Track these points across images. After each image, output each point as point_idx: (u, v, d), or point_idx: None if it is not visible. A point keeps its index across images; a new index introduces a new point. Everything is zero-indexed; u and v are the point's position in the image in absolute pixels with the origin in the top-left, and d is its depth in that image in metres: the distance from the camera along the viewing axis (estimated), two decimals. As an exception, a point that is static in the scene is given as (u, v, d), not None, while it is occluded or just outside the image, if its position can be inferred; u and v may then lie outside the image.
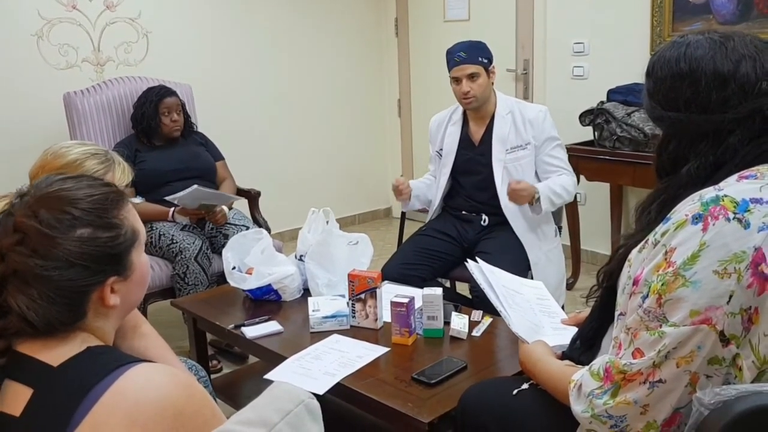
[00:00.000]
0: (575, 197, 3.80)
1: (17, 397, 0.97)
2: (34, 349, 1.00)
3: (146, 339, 1.41)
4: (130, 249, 1.09)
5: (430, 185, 3.08)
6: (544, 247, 2.84)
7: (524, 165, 2.83)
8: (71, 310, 1.01)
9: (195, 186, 2.97)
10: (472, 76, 2.75)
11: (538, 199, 2.69)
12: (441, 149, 2.97)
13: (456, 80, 2.79)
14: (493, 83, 2.84)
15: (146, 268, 1.14)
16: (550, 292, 1.92)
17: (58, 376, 0.97)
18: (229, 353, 3.13)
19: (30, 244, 0.98)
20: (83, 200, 1.04)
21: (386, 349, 1.96)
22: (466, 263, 1.89)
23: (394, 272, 2.72)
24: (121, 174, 1.79)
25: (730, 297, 1.08)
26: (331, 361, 1.89)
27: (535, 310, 1.76)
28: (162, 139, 3.31)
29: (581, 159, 3.70)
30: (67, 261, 0.99)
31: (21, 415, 0.95)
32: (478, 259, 1.88)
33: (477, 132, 2.90)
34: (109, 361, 0.98)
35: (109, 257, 1.04)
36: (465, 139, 2.92)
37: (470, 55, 2.75)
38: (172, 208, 3.10)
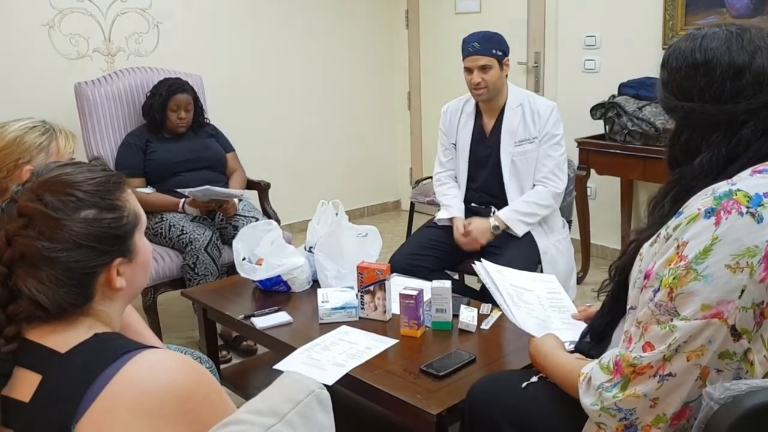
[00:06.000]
0: (586, 191, 3.80)
1: (26, 384, 0.97)
2: (43, 334, 1.01)
3: (126, 317, 1.40)
4: (133, 231, 1.10)
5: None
6: (553, 238, 2.83)
7: (531, 159, 2.81)
8: (80, 291, 1.02)
9: (206, 186, 2.99)
10: (484, 68, 2.73)
11: (496, 227, 2.71)
12: (455, 143, 2.97)
13: (468, 70, 2.77)
14: (506, 76, 2.82)
15: (149, 252, 1.16)
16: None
17: (66, 362, 0.98)
18: (237, 349, 3.13)
19: (36, 227, 1.00)
20: (85, 183, 1.05)
21: (395, 341, 1.97)
22: (473, 264, 1.89)
23: (402, 262, 2.72)
24: (65, 141, 1.76)
25: (742, 291, 1.08)
26: (340, 352, 1.90)
27: (545, 306, 1.76)
28: (170, 132, 3.31)
29: (592, 153, 3.68)
30: (73, 242, 1.01)
31: (30, 401, 0.96)
32: (483, 260, 1.87)
33: (488, 124, 2.89)
34: (116, 348, 0.99)
35: (114, 238, 1.06)
36: (478, 131, 2.91)
37: (484, 47, 2.73)
38: (183, 200, 3.12)
